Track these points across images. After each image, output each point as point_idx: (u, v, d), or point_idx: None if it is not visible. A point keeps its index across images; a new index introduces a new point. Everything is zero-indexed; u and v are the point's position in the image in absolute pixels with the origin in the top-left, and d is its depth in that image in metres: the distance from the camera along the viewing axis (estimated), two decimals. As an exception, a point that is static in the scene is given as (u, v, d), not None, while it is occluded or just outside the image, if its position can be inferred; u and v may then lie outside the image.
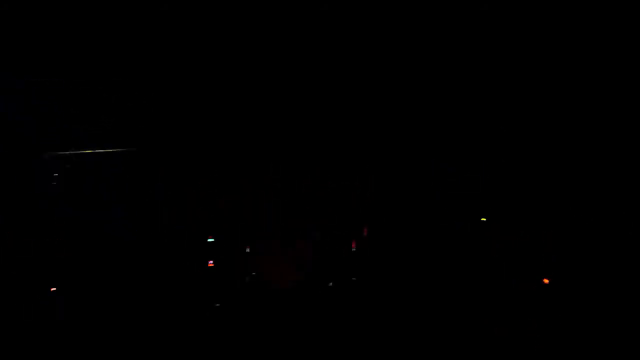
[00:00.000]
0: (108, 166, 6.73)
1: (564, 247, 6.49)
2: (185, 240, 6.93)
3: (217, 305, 6.44)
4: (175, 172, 7.04)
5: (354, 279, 6.77)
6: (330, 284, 6.64)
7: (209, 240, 6.98)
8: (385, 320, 6.26)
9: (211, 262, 6.88)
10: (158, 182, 6.97)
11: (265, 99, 6.95)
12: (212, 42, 6.52)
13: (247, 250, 6.99)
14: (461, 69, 6.54)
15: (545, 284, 6.29)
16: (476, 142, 6.86)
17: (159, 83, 6.72)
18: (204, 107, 6.96)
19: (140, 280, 6.58)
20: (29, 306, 6.02)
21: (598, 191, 6.49)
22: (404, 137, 7.04)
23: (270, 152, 7.18)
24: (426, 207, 7.03)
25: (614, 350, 5.55)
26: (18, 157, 6.36)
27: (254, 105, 6.98)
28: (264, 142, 7.16)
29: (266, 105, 6.99)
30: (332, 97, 6.92)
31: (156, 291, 6.52)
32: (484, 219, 6.80)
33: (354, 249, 6.96)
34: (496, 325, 6.04)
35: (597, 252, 6.34)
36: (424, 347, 5.88)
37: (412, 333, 6.05)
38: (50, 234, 6.47)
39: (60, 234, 6.52)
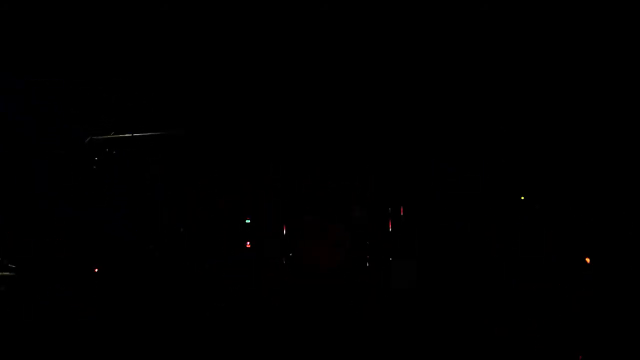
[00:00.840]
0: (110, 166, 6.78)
1: (564, 247, 6.49)
2: (186, 237, 7.00)
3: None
4: (176, 171, 7.11)
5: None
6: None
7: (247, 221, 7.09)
8: (385, 320, 6.27)
9: (248, 243, 7.03)
10: (158, 181, 7.01)
11: (266, 100, 6.95)
12: (213, 43, 6.51)
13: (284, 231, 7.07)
14: (461, 69, 6.53)
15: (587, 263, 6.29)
16: (476, 142, 6.85)
17: (159, 84, 6.72)
18: (205, 107, 6.97)
19: (142, 277, 6.64)
20: (29, 306, 6.05)
21: (598, 191, 6.49)
22: (404, 137, 7.04)
23: (270, 151, 7.20)
24: (426, 207, 7.04)
25: (614, 350, 5.49)
26: (18, 157, 6.37)
27: (254, 105, 6.98)
28: (264, 142, 7.17)
29: (267, 105, 6.99)
30: (332, 98, 6.91)
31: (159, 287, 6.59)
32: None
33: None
34: (496, 325, 6.01)
35: (597, 252, 6.34)
36: (424, 347, 5.83)
37: (412, 333, 6.02)
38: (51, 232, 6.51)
39: (61, 232, 6.55)
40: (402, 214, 7.02)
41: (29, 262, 6.36)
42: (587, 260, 6.28)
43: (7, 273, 6.13)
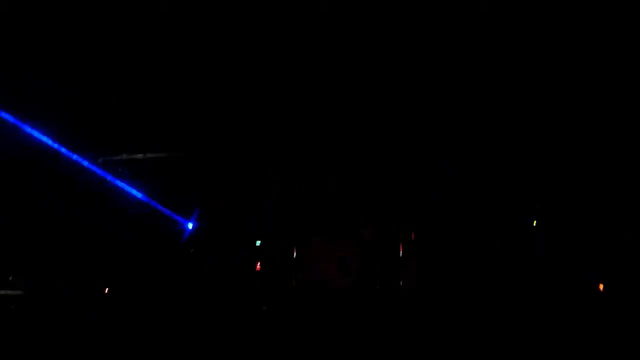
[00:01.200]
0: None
1: (564, 247, 6.51)
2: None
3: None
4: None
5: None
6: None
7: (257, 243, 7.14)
8: (385, 320, 6.35)
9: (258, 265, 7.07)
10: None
11: (267, 100, 6.88)
12: (214, 44, 6.39)
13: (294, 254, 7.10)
14: (461, 69, 6.41)
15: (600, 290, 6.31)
16: (476, 142, 6.81)
17: (159, 84, 6.65)
18: (204, 108, 6.91)
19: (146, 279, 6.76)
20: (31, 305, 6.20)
21: (598, 191, 6.48)
22: (404, 137, 6.99)
23: (270, 152, 7.18)
24: (426, 207, 7.05)
25: (613, 350, 5.59)
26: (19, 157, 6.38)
27: (255, 106, 6.92)
28: (265, 142, 7.14)
29: (267, 106, 6.92)
30: (333, 98, 6.83)
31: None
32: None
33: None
34: (496, 325, 6.09)
35: (597, 252, 6.37)
36: (424, 347, 5.94)
37: (412, 333, 6.11)
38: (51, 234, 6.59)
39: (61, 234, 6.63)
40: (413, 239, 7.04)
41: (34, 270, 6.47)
42: (601, 286, 6.27)
43: (19, 292, 6.25)
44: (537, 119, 6.52)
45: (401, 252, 6.97)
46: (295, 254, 7.05)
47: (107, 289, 6.72)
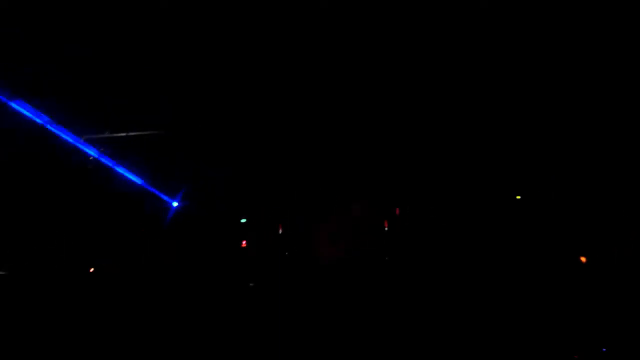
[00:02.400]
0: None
1: (564, 247, 6.57)
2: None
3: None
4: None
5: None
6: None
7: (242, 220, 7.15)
8: (385, 320, 6.30)
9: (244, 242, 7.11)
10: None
11: (267, 101, 6.84)
12: (213, 42, 6.31)
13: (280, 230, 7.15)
14: (461, 69, 6.33)
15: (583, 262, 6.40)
16: (476, 142, 6.83)
17: (158, 83, 6.55)
18: (188, 87, 6.85)
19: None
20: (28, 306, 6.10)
21: (598, 191, 6.56)
22: (404, 137, 6.96)
23: (256, 129, 7.16)
24: (426, 207, 7.11)
25: (613, 350, 5.64)
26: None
27: (240, 82, 6.86)
28: (250, 120, 7.12)
29: (268, 106, 6.88)
30: (333, 98, 6.81)
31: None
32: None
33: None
34: (496, 325, 6.06)
35: (597, 252, 6.44)
36: (424, 347, 5.95)
37: (412, 333, 6.10)
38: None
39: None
40: (397, 214, 7.11)
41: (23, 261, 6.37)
42: (583, 259, 6.41)
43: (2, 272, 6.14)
44: (536, 119, 6.52)
45: (387, 227, 7.06)
46: (282, 230, 7.08)
47: (91, 268, 6.65)
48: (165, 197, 7.08)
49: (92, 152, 6.43)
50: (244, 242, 7.10)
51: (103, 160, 6.50)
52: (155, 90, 6.48)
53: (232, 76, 6.60)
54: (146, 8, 5.63)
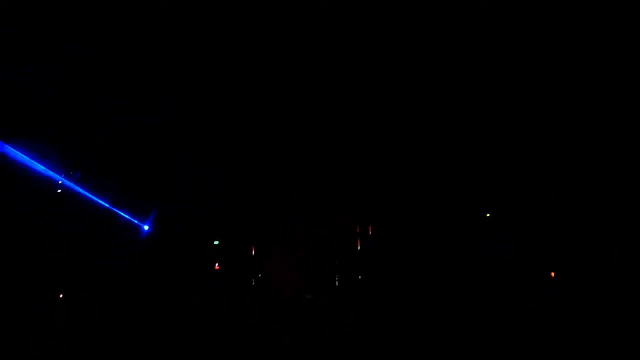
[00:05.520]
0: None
1: (564, 247, 6.66)
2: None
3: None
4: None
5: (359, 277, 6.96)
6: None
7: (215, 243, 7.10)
8: (385, 320, 6.43)
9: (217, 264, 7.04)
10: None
11: (268, 102, 6.85)
12: (213, 42, 6.29)
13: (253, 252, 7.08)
14: (461, 69, 6.48)
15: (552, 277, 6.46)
16: (476, 142, 6.93)
17: (160, 86, 6.49)
18: (205, 110, 6.81)
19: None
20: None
21: (598, 191, 6.64)
22: (403, 137, 7.06)
23: (226, 153, 7.17)
24: (426, 207, 7.17)
25: (613, 350, 5.65)
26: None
27: (256, 107, 6.86)
28: (221, 143, 7.12)
29: (268, 107, 6.89)
30: (333, 98, 6.85)
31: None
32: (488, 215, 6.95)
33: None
34: (497, 325, 6.14)
35: (597, 252, 6.51)
36: (424, 346, 6.04)
37: (412, 333, 6.20)
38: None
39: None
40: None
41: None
42: (552, 274, 6.53)
43: None
44: (536, 119, 6.67)
45: (359, 247, 7.14)
46: (253, 253, 7.12)
47: (60, 294, 6.52)
48: (136, 221, 7.02)
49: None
50: (216, 265, 7.08)
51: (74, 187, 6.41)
52: (155, 90, 6.44)
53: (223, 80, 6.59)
54: (146, 8, 5.62)
